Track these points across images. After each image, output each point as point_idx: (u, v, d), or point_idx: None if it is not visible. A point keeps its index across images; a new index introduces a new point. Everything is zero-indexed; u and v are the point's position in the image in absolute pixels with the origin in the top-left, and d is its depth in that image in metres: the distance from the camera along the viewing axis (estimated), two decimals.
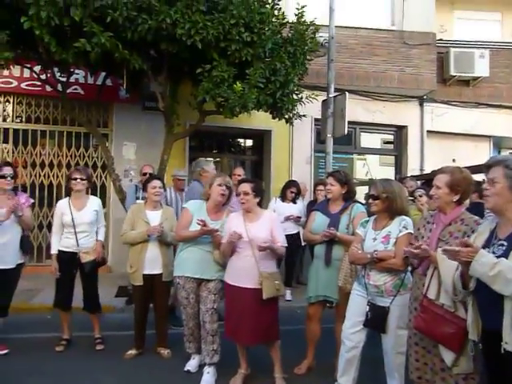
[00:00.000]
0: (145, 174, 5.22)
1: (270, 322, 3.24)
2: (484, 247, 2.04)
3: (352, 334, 3.01)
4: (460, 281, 2.15)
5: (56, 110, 7.17)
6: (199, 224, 3.32)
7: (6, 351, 3.77)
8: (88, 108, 7.18)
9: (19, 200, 3.79)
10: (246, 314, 3.17)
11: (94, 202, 4.20)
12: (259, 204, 3.41)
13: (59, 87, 6.01)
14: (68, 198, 4.12)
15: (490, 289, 1.91)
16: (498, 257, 1.95)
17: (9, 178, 3.78)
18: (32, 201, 4.01)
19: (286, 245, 3.37)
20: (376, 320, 2.87)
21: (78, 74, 6.67)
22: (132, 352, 3.84)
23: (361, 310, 2.96)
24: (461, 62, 8.31)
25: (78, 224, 3.97)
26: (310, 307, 3.60)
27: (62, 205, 4.07)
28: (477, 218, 2.51)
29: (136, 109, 7.13)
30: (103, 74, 6.40)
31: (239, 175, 5.90)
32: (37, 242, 7.04)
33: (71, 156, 7.21)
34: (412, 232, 2.84)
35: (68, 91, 6.28)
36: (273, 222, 3.34)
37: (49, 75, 5.88)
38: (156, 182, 3.93)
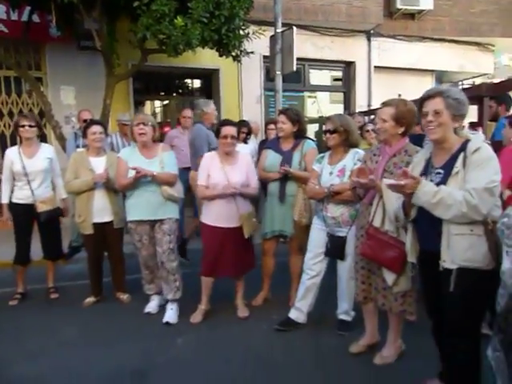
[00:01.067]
0: (85, 121, 4.92)
1: (250, 254, 3.53)
2: (421, 176, 2.16)
3: (313, 264, 3.20)
4: (402, 210, 2.28)
5: None
6: (133, 170, 3.32)
7: None
8: (15, 48, 6.49)
9: None
10: (228, 250, 3.36)
11: (47, 149, 4.01)
12: None
13: None
14: (18, 145, 3.89)
15: (429, 214, 2.04)
16: (436, 184, 2.07)
17: None
18: None
19: (258, 186, 3.52)
20: (335, 249, 3.07)
21: None
22: (90, 300, 3.85)
23: (321, 241, 3.14)
24: None
25: (30, 172, 3.80)
26: (265, 243, 3.73)
27: (11, 153, 3.85)
28: (419, 148, 2.61)
29: (71, 49, 6.51)
30: (28, 8, 5.75)
31: (188, 117, 5.76)
32: None
33: (2, 103, 6.62)
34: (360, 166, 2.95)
35: None
36: (249, 166, 3.46)
37: None
38: (96, 128, 3.75)
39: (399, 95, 8.94)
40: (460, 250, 2.01)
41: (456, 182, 2.03)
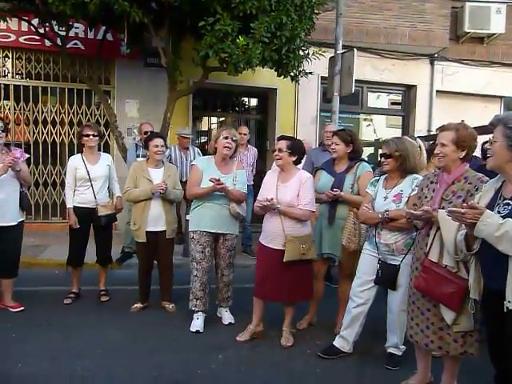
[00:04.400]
0: (145, 133, 5.17)
1: (301, 282, 3.28)
2: (489, 207, 2.02)
3: (361, 292, 3.06)
4: (464, 242, 2.13)
5: (56, 66, 6.98)
6: (212, 182, 3.33)
7: (21, 308, 3.82)
8: (89, 64, 6.99)
9: (15, 154, 3.62)
10: (276, 273, 3.23)
11: (106, 157, 4.27)
12: (295, 163, 3.35)
13: (58, 41, 5.83)
14: (80, 153, 4.13)
15: (495, 249, 1.89)
16: (503, 217, 1.92)
17: (0, 131, 3.60)
18: (27, 156, 3.89)
19: (314, 210, 3.32)
20: (387, 278, 2.90)
21: (77, 28, 6.47)
22: (138, 305, 3.95)
23: (371, 268, 2.99)
24: (476, 17, 7.93)
25: (93, 178, 4.01)
26: (314, 265, 3.62)
27: (76, 160, 4.08)
28: (481, 175, 2.44)
29: (138, 65, 6.93)
30: (103, 28, 6.19)
31: (244, 134, 5.86)
32: (42, 199, 7.09)
33: (73, 113, 7.10)
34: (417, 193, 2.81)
35: (68, 46, 6.11)
36: (302, 183, 3.25)
37: (47, 29, 5.69)
38: (158, 141, 3.88)
39: (462, 121, 8.59)
40: None
41: None
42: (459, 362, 2.55)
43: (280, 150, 3.26)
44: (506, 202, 2.00)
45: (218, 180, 3.34)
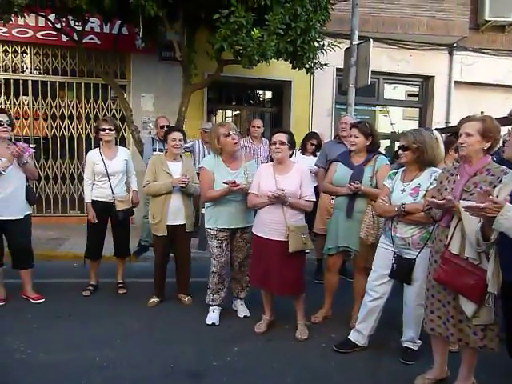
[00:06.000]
0: (162, 127, 5.20)
1: (295, 276, 3.27)
2: (509, 200, 1.96)
3: (377, 285, 3.04)
4: (480, 233, 2.09)
5: (73, 61, 7.06)
6: (227, 184, 3.31)
7: (41, 300, 3.91)
8: (105, 58, 7.04)
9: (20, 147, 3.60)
10: (273, 266, 3.22)
11: (123, 151, 4.28)
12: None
13: (75, 36, 5.89)
14: (98, 148, 4.17)
15: None
16: None
17: (5, 125, 3.61)
18: (32, 150, 3.88)
19: (314, 199, 3.35)
20: (402, 271, 2.88)
21: (93, 22, 6.52)
22: (154, 300, 3.97)
23: (387, 262, 2.96)
24: (497, 5, 7.71)
25: (111, 172, 4.05)
26: (329, 258, 3.62)
27: (93, 154, 4.12)
28: (504, 167, 2.38)
29: (153, 59, 6.96)
30: (118, 22, 6.22)
31: (258, 127, 5.85)
32: (60, 193, 7.22)
33: (90, 108, 7.19)
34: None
35: (84, 41, 6.16)
36: (303, 175, 3.29)
37: (63, 24, 5.75)
38: (176, 134, 3.89)
39: (481, 113, 8.39)
40: None
41: None
42: (476, 355, 2.52)
43: (282, 143, 3.24)
44: None
45: (234, 182, 3.31)
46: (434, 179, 2.79)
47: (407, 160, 2.91)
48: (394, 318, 3.13)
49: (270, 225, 3.23)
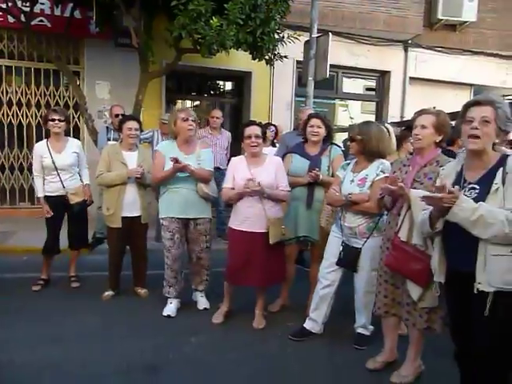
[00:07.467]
0: (117, 116, 5.02)
1: (279, 264, 3.34)
2: None
3: (328, 273, 3.11)
4: (428, 222, 2.16)
5: (21, 44, 6.68)
6: (172, 161, 3.27)
7: None
8: (57, 43, 6.71)
9: None
10: (257, 257, 3.22)
11: (73, 143, 4.06)
12: None
13: (22, 18, 5.56)
14: (46, 140, 3.96)
15: (462, 232, 1.91)
16: (472, 201, 1.93)
17: None
18: None
19: (289, 189, 3.36)
20: (348, 259, 2.98)
21: (43, 3, 6.20)
22: (108, 293, 3.86)
23: (337, 250, 3.04)
24: (449, 4, 8.03)
25: (59, 167, 3.85)
26: (286, 248, 3.62)
27: (41, 147, 3.90)
28: (452, 159, 2.48)
29: (108, 45, 6.67)
30: (71, 5, 5.93)
31: (217, 117, 5.78)
32: (9, 184, 6.85)
33: (40, 95, 6.83)
34: (388, 176, 2.85)
35: (33, 23, 5.86)
36: (277, 166, 3.33)
37: (10, 4, 5.41)
38: (132, 123, 3.78)
39: (434, 108, 8.74)
40: (498, 272, 1.88)
41: (495, 200, 1.90)
42: (422, 339, 2.64)
43: (257, 137, 3.26)
44: (471, 186, 2.01)
45: (177, 159, 3.28)
46: (381, 171, 2.90)
47: (354, 151, 3.03)
48: (348, 305, 3.21)
49: (251, 218, 3.23)
